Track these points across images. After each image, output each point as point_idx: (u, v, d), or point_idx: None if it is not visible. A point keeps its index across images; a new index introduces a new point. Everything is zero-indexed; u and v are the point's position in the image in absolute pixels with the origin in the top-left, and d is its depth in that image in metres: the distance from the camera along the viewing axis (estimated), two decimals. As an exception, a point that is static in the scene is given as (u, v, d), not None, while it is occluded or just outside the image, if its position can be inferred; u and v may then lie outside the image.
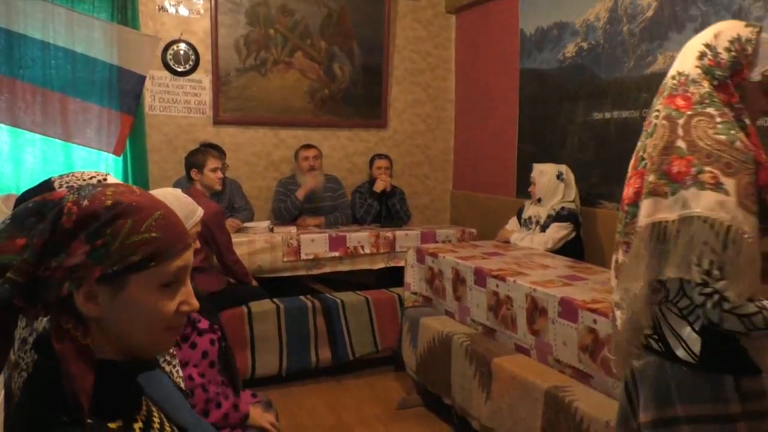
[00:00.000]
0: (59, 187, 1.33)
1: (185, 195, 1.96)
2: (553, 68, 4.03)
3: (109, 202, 0.80)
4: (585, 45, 3.75)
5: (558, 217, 3.45)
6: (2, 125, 3.90)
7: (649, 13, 3.30)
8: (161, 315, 0.84)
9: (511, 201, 4.32)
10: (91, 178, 1.34)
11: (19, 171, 4.00)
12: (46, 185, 1.34)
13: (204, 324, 2.02)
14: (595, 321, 2.13)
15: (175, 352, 1.71)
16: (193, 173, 3.41)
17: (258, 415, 2.03)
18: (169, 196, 1.86)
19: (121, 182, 0.89)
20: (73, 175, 1.34)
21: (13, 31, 3.79)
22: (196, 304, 0.89)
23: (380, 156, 4.67)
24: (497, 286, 2.67)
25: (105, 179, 1.36)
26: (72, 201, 0.80)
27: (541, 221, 3.50)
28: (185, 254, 0.86)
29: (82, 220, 0.78)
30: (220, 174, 3.60)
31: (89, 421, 0.78)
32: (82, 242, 0.78)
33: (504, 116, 4.56)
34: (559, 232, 3.40)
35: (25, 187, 3.88)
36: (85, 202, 0.79)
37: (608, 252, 3.56)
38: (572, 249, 3.40)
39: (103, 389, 0.81)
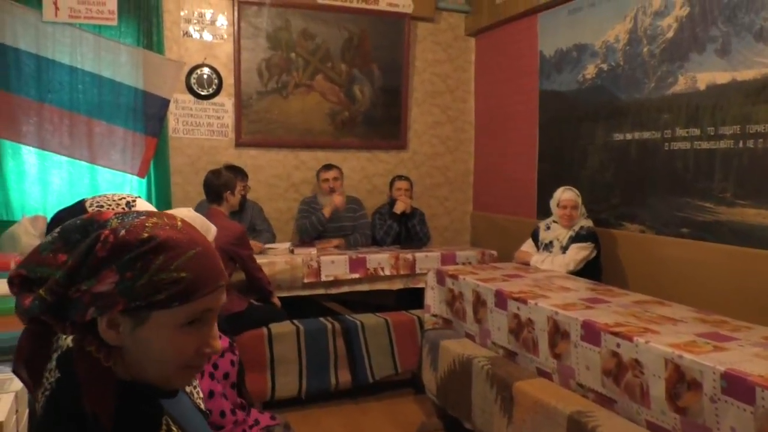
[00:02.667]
0: (90, 207, 1.35)
1: (198, 214, 2.00)
2: (572, 90, 4.03)
3: (144, 235, 0.80)
4: (605, 66, 3.75)
5: (578, 237, 3.42)
6: (31, 148, 3.99)
7: (670, 35, 3.29)
8: (179, 354, 0.84)
9: (531, 222, 4.29)
10: (120, 199, 1.37)
11: (46, 193, 4.08)
12: (80, 206, 1.37)
13: (224, 342, 2.00)
14: (618, 345, 2.10)
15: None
16: (227, 195, 3.49)
17: None
18: (190, 218, 1.88)
19: (169, 213, 0.88)
20: (104, 197, 1.37)
21: (42, 56, 3.90)
22: (218, 346, 0.88)
23: (400, 177, 4.68)
24: (518, 308, 2.65)
25: (134, 201, 1.39)
26: (111, 229, 0.80)
27: (564, 243, 3.48)
28: (214, 296, 0.85)
29: (116, 249, 0.78)
30: (241, 195, 3.72)
31: None
32: (113, 272, 0.78)
33: (524, 137, 4.55)
34: (579, 253, 3.37)
35: (52, 208, 3.97)
36: (123, 232, 0.79)
37: (629, 274, 3.51)
38: (591, 269, 3.37)
39: (123, 409, 0.80)
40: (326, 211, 4.35)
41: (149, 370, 0.84)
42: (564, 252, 3.44)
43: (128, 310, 0.79)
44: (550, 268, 3.37)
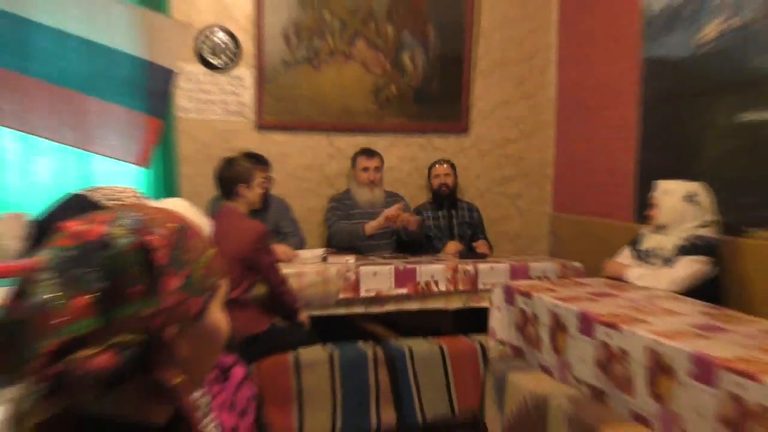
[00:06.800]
0: (106, 200, 1.40)
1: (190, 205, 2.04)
2: (687, 56, 3.94)
3: (175, 226, 0.87)
4: (732, 23, 3.64)
5: (691, 248, 3.33)
6: (8, 130, 4.11)
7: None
8: (226, 332, 0.95)
9: (628, 227, 4.22)
10: (124, 191, 1.42)
11: (28, 185, 4.20)
12: (78, 200, 1.41)
13: (239, 372, 1.99)
14: (740, 386, 2.05)
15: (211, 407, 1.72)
16: (242, 188, 3.53)
17: None
18: (186, 209, 1.93)
19: (140, 203, 0.95)
20: (111, 189, 1.41)
21: (20, 16, 3.98)
22: None
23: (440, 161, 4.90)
24: (608, 336, 2.61)
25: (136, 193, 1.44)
26: (145, 234, 0.83)
27: (666, 254, 3.40)
28: None
29: (170, 252, 0.84)
30: (262, 190, 3.75)
31: None
32: (172, 276, 0.83)
33: (620, 118, 4.48)
34: (691, 267, 3.28)
35: (36, 203, 4.06)
36: (160, 231, 0.84)
37: (758, 296, 3.42)
38: (707, 291, 3.28)
39: None
40: (368, 229, 4.38)
41: (206, 363, 0.95)
42: (667, 265, 3.36)
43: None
44: (651, 284, 3.31)
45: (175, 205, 1.90)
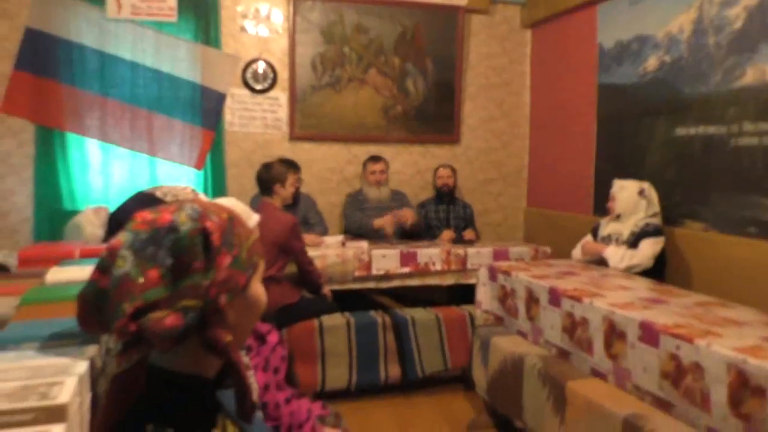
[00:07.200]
0: (164, 197, 1.40)
1: (240, 202, 2.01)
2: (633, 83, 3.91)
3: (225, 216, 0.88)
4: (667, 58, 3.62)
5: (647, 233, 3.28)
6: (94, 140, 4.14)
7: (737, 25, 3.15)
8: (264, 303, 0.96)
9: (587, 219, 4.20)
10: (184, 188, 1.42)
11: (108, 183, 4.23)
12: (145, 197, 1.41)
13: (274, 337, 1.98)
14: (678, 347, 2.03)
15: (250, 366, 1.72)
16: (277, 187, 3.50)
17: None
18: (234, 205, 1.91)
19: (196, 198, 0.95)
20: (174, 187, 1.42)
21: (105, 52, 4.04)
22: None
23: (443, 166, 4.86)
24: (572, 307, 2.60)
25: (194, 191, 1.44)
26: (204, 222, 0.84)
27: (623, 238, 3.36)
28: None
29: (222, 235, 0.85)
30: (294, 188, 3.74)
31: None
32: (225, 255, 0.84)
33: (581, 132, 4.45)
34: (654, 246, 3.23)
35: (113, 198, 4.09)
36: (215, 219, 0.85)
37: (691, 274, 3.40)
38: (657, 265, 3.24)
39: (185, 404, 0.85)
40: (376, 224, 4.36)
41: (247, 329, 0.95)
42: (628, 247, 3.31)
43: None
44: (629, 261, 3.22)
45: (227, 202, 1.88)
